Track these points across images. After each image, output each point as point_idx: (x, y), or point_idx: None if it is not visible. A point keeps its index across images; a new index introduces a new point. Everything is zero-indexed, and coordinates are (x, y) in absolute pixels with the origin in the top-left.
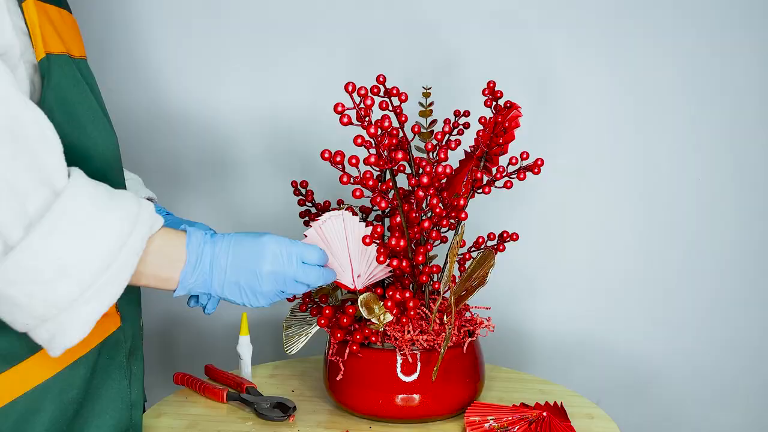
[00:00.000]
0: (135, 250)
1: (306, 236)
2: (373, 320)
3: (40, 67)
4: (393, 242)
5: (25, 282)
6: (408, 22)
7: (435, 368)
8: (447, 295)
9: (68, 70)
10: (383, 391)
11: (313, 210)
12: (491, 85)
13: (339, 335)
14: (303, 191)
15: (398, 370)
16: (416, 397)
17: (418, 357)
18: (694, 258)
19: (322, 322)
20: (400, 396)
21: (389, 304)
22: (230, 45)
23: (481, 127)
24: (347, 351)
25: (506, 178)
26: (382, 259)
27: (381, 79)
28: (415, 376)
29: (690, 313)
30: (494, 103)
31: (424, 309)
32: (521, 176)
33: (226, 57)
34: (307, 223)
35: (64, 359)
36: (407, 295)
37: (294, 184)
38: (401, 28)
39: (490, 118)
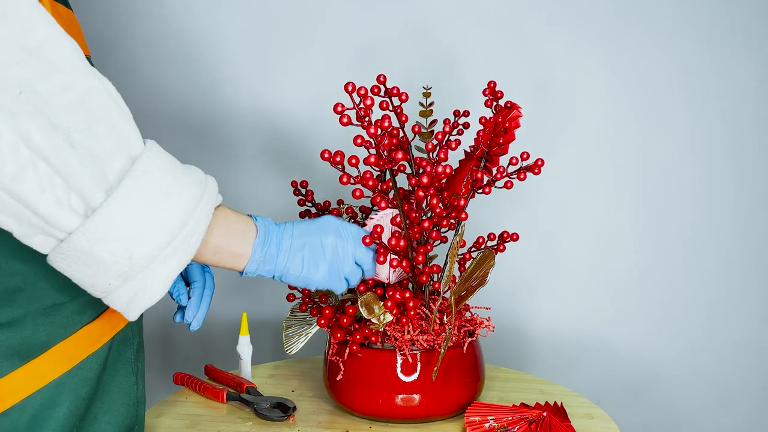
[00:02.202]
0: (205, 213)
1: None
2: (373, 320)
3: None
4: (392, 242)
5: (109, 239)
6: (408, 22)
7: (435, 368)
8: (447, 295)
9: None
10: (383, 391)
11: (313, 210)
12: (492, 85)
13: (339, 335)
14: (303, 191)
15: (398, 370)
16: (416, 397)
17: (418, 357)
18: (694, 258)
19: (322, 322)
20: (400, 396)
21: (389, 304)
22: (231, 44)
23: (480, 127)
24: (347, 351)
25: (506, 178)
26: (382, 259)
27: (381, 79)
28: (415, 376)
29: (690, 313)
30: (494, 103)
31: (424, 309)
32: (521, 176)
33: (227, 57)
34: None
35: (77, 354)
36: (407, 295)
37: (294, 184)
38: (401, 28)
39: (491, 117)
